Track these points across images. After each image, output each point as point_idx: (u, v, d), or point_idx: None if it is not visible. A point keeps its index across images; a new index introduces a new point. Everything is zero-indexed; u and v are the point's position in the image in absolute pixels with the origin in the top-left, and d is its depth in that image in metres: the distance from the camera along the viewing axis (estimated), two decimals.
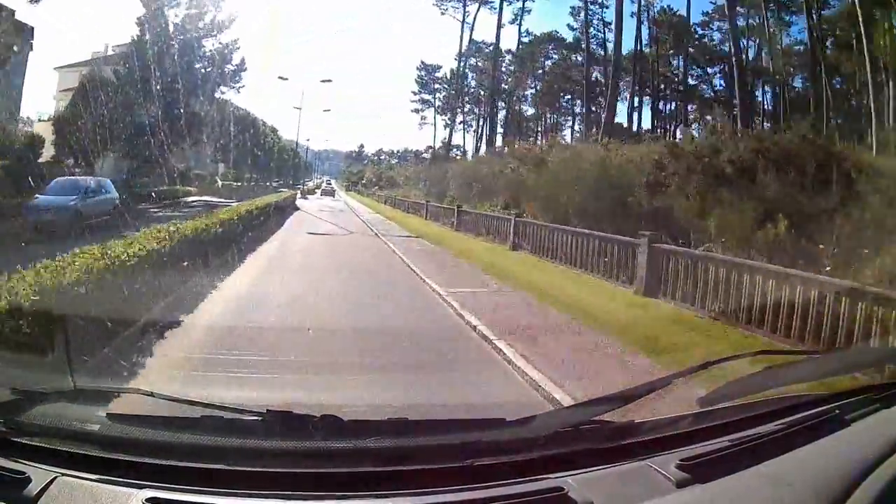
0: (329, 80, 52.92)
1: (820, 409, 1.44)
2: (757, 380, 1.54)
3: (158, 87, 26.26)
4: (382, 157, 72.23)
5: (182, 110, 28.99)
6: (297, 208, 29.88)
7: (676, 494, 1.17)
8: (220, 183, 40.29)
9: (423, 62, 57.50)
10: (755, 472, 1.22)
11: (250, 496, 1.14)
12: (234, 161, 45.31)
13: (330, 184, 70.20)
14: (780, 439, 1.33)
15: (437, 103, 57.00)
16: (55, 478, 1.14)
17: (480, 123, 56.13)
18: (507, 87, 50.30)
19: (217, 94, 36.32)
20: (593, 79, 46.22)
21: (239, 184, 42.52)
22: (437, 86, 57.57)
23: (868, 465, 1.18)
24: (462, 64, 52.12)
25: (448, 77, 55.94)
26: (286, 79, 55.37)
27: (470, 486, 1.19)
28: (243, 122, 43.85)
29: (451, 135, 53.64)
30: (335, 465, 1.24)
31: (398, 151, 72.19)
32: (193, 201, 26.73)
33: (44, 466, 1.17)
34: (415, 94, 57.79)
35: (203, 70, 33.18)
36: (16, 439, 1.25)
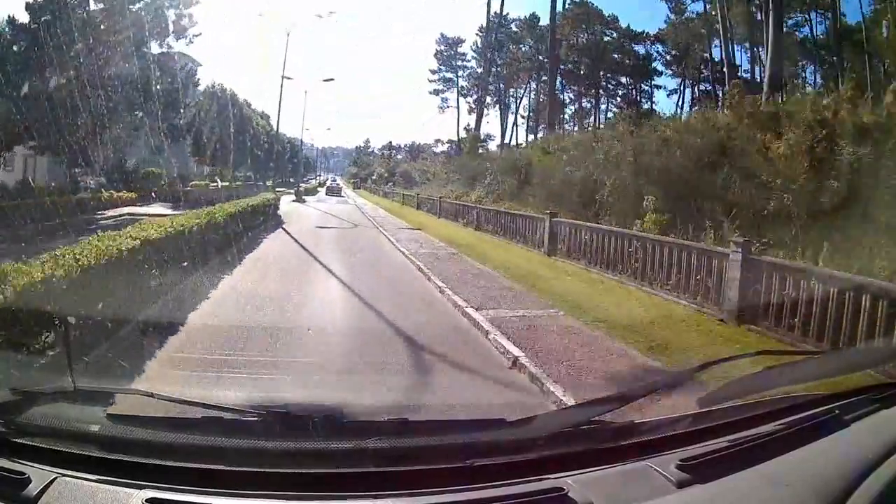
0: (332, 13, 43.10)
1: (820, 409, 1.44)
2: (757, 380, 1.55)
3: (72, 48, 17.81)
4: (391, 152, 66.03)
5: (113, 80, 19.66)
6: (280, 223, 19.12)
7: (676, 494, 1.17)
8: (218, 183, 33.06)
9: (443, 35, 51.10)
10: (755, 472, 1.22)
11: (250, 496, 1.15)
12: (218, 158, 35.07)
13: (335, 181, 64.51)
14: (780, 439, 1.34)
15: (461, 83, 49.78)
16: (55, 478, 1.14)
17: (517, 105, 47.62)
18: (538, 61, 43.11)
19: (171, 58, 25.12)
20: (640, 55, 41.74)
21: (217, 184, 32.32)
22: (459, 62, 49.74)
23: (868, 466, 1.18)
24: (491, 36, 44.35)
25: (478, 46, 47.11)
26: (261, 14, 43.36)
27: (470, 486, 1.19)
28: (221, 102, 33.58)
29: (479, 118, 46.35)
30: (335, 465, 1.24)
31: (406, 146, 66.76)
32: (113, 217, 18.63)
33: (44, 466, 1.17)
34: (433, 72, 50.74)
35: (139, 18, 21.10)
36: (16, 439, 1.25)
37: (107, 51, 19.61)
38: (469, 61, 50.09)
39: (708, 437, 1.36)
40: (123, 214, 19.32)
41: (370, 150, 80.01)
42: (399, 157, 64.55)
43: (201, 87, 35.28)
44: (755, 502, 1.18)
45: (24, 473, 1.14)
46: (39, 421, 1.31)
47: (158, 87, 23.62)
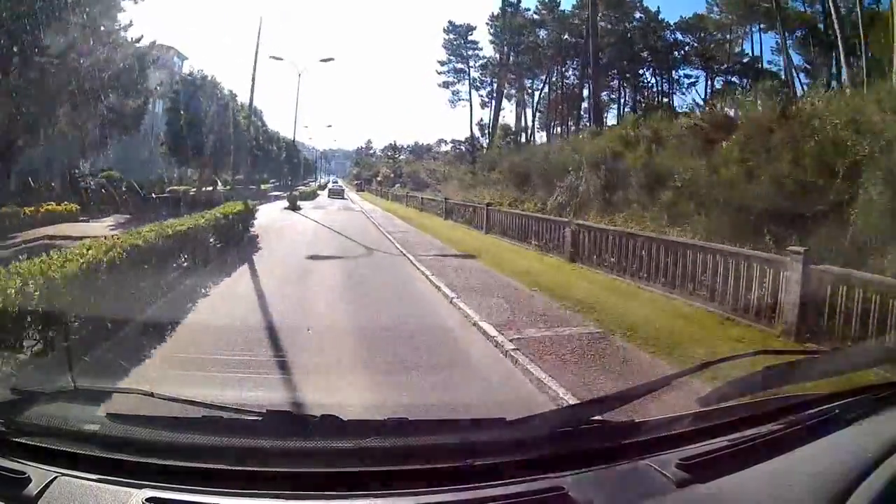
0: None
1: (820, 408, 1.44)
2: (757, 380, 1.55)
3: None
4: (394, 152, 63.44)
5: (46, 56, 14.70)
6: (252, 249, 12.60)
7: (676, 494, 1.17)
8: (218, 185, 30.23)
9: (451, 23, 46.23)
10: (755, 472, 1.22)
11: (250, 496, 1.15)
12: (203, 158, 28.71)
13: (337, 183, 62.61)
14: (780, 439, 1.34)
15: (473, 75, 45.40)
16: (55, 478, 1.14)
17: (538, 97, 42.53)
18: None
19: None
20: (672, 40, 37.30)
21: (195, 190, 26.81)
22: (471, 52, 45.01)
23: (868, 465, 1.18)
24: (508, 18, 39.74)
25: (497, 29, 41.59)
26: None
27: (470, 486, 1.19)
28: (201, 92, 27.90)
29: (497, 108, 41.99)
30: (335, 465, 1.24)
31: (409, 147, 64.40)
32: (18, 243, 13.42)
33: (44, 466, 1.17)
34: (443, 63, 46.59)
35: None
36: (16, 439, 1.25)
37: (38, 20, 14.26)
38: (481, 49, 45.65)
39: (708, 437, 1.36)
40: (40, 238, 14.00)
41: (372, 151, 78.89)
42: (402, 157, 63.19)
43: (172, 78, 30.29)
44: (755, 502, 1.18)
45: (24, 473, 1.14)
46: (39, 421, 1.31)
47: (114, 69, 17.88)
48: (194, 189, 27.27)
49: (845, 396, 1.49)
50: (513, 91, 44.07)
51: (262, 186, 41.72)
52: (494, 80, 43.53)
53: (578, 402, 3.47)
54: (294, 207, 28.93)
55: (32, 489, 1.11)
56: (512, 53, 41.76)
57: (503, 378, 4.78)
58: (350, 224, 20.85)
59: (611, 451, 1.31)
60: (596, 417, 1.42)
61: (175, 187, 27.33)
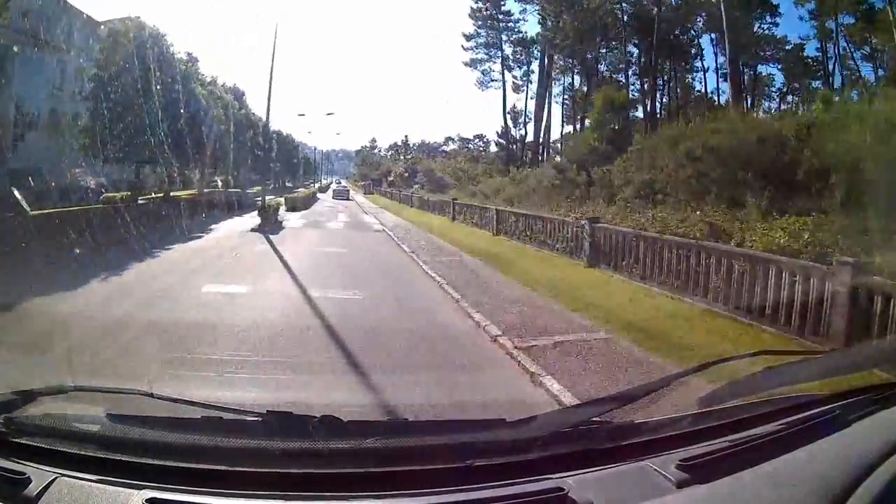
0: None
1: (820, 409, 1.44)
2: (757, 380, 1.55)
3: None
4: (405, 150, 60.37)
5: None
6: None
7: (676, 495, 1.17)
8: (219, 184, 26.33)
9: None
10: (755, 472, 1.22)
11: (250, 496, 1.15)
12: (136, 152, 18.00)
13: (340, 183, 59.13)
14: (780, 439, 1.33)
15: (506, 52, 38.56)
16: (55, 478, 1.14)
17: (590, 77, 34.61)
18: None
19: None
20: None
21: (140, 197, 18.02)
22: (503, 24, 38.02)
23: (868, 466, 1.18)
24: None
25: None
26: None
27: (470, 486, 1.19)
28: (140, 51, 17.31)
29: (549, 92, 35.53)
30: (335, 465, 1.24)
31: (415, 145, 61.55)
32: None
33: (44, 467, 1.17)
34: (468, 38, 39.79)
35: None
36: (16, 439, 1.25)
37: None
38: (516, 23, 38.36)
39: (708, 437, 1.36)
40: None
41: (376, 149, 76.92)
42: (409, 157, 61.19)
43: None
44: (755, 502, 1.18)
45: (24, 473, 1.14)
46: (39, 421, 1.32)
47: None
48: (158, 194, 18.35)
49: (845, 396, 1.49)
50: (572, 63, 37.40)
51: (252, 189, 32.08)
52: (534, 56, 37.02)
53: (579, 402, 3.48)
54: (266, 228, 16.94)
55: (32, 490, 1.11)
56: (564, 17, 34.38)
57: None
58: (390, 311, 7.60)
59: (611, 452, 1.31)
60: (596, 418, 1.42)
61: (112, 195, 18.22)
